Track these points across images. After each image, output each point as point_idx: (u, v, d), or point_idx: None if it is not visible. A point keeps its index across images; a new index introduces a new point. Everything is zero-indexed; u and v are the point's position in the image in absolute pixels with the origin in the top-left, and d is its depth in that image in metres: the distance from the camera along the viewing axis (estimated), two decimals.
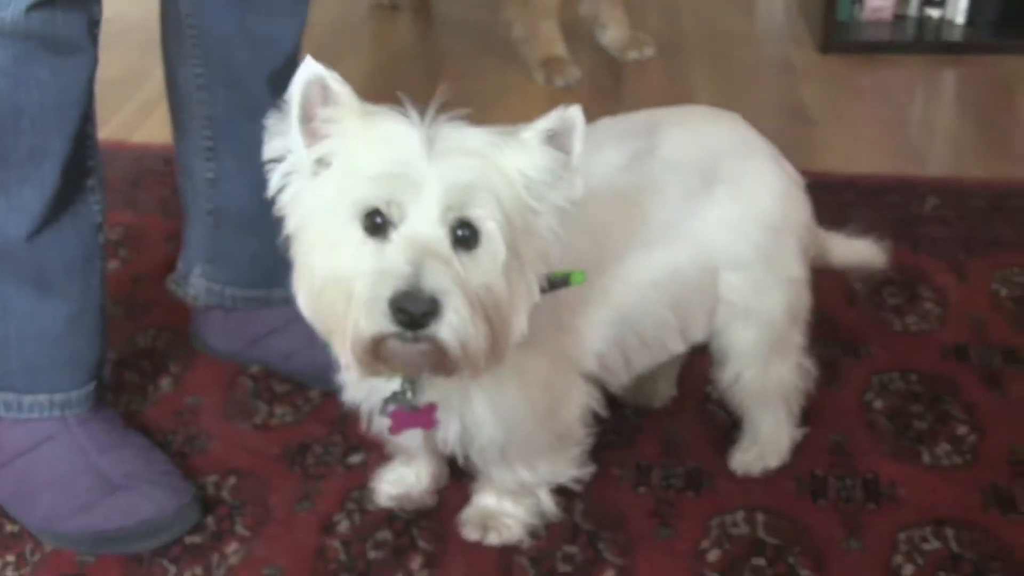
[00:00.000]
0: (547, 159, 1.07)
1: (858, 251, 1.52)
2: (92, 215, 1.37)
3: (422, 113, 1.05)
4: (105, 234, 1.41)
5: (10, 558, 1.34)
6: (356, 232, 1.05)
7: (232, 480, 1.46)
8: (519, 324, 1.10)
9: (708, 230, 1.32)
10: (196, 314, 1.68)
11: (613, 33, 2.71)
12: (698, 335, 1.37)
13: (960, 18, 2.78)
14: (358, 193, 1.04)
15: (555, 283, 1.17)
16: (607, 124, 1.35)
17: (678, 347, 1.36)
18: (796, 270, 1.38)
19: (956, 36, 2.77)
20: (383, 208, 1.03)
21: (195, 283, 1.63)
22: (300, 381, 1.60)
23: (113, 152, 2.20)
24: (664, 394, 1.59)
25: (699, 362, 1.52)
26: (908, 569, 1.32)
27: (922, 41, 2.76)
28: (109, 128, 2.33)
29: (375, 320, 1.01)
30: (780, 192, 1.36)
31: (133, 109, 2.39)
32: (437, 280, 1.00)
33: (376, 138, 1.05)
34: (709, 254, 1.33)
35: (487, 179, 1.04)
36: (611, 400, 1.51)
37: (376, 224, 1.03)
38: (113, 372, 1.63)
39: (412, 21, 3.05)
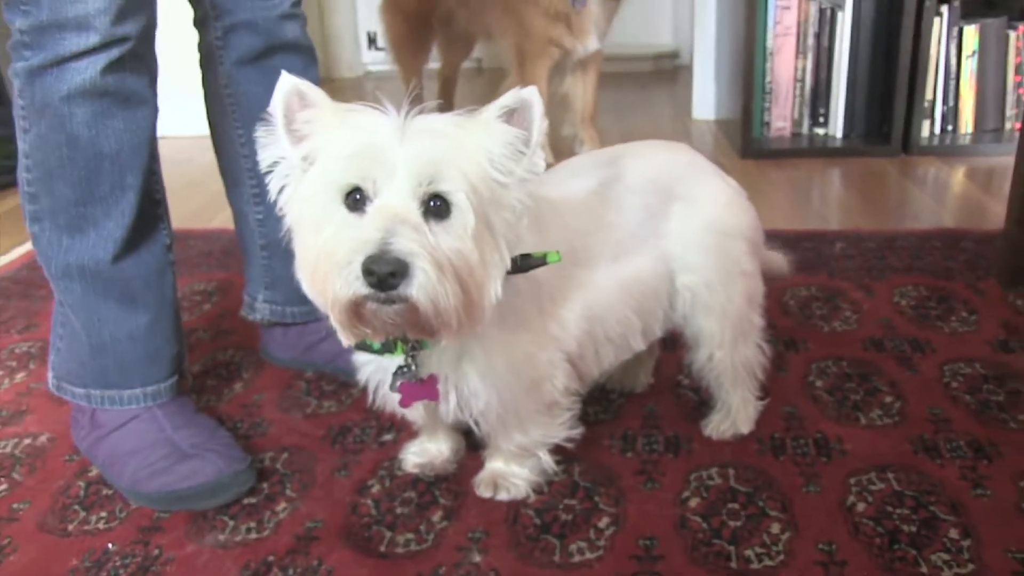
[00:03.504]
0: (508, 136, 0.87)
1: (772, 258, 1.32)
2: (162, 238, 1.20)
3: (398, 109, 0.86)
4: (174, 254, 1.22)
5: (103, 514, 1.13)
6: (339, 210, 0.85)
7: (285, 455, 1.22)
8: (492, 288, 0.88)
9: (667, 241, 1.12)
10: (263, 332, 1.46)
11: (588, 147, 2.56)
12: (657, 333, 1.16)
13: (839, 133, 2.65)
14: (337, 173, 0.85)
15: (534, 263, 0.96)
16: (580, 158, 1.17)
17: (639, 345, 1.14)
18: (747, 264, 1.18)
19: (837, 144, 2.62)
20: (361, 184, 0.84)
21: (260, 308, 1.42)
22: (344, 379, 1.36)
23: (218, 235, 2.08)
24: (643, 381, 1.35)
25: (669, 357, 1.35)
26: (861, 506, 1.06)
27: (813, 148, 2.61)
28: (220, 219, 2.19)
29: (349, 283, 0.81)
30: (725, 202, 1.16)
31: None
32: (404, 244, 0.80)
33: (351, 127, 0.86)
34: (668, 261, 1.13)
35: (453, 156, 0.84)
36: (600, 387, 1.30)
37: (356, 201, 0.84)
38: (197, 379, 1.41)
39: None
